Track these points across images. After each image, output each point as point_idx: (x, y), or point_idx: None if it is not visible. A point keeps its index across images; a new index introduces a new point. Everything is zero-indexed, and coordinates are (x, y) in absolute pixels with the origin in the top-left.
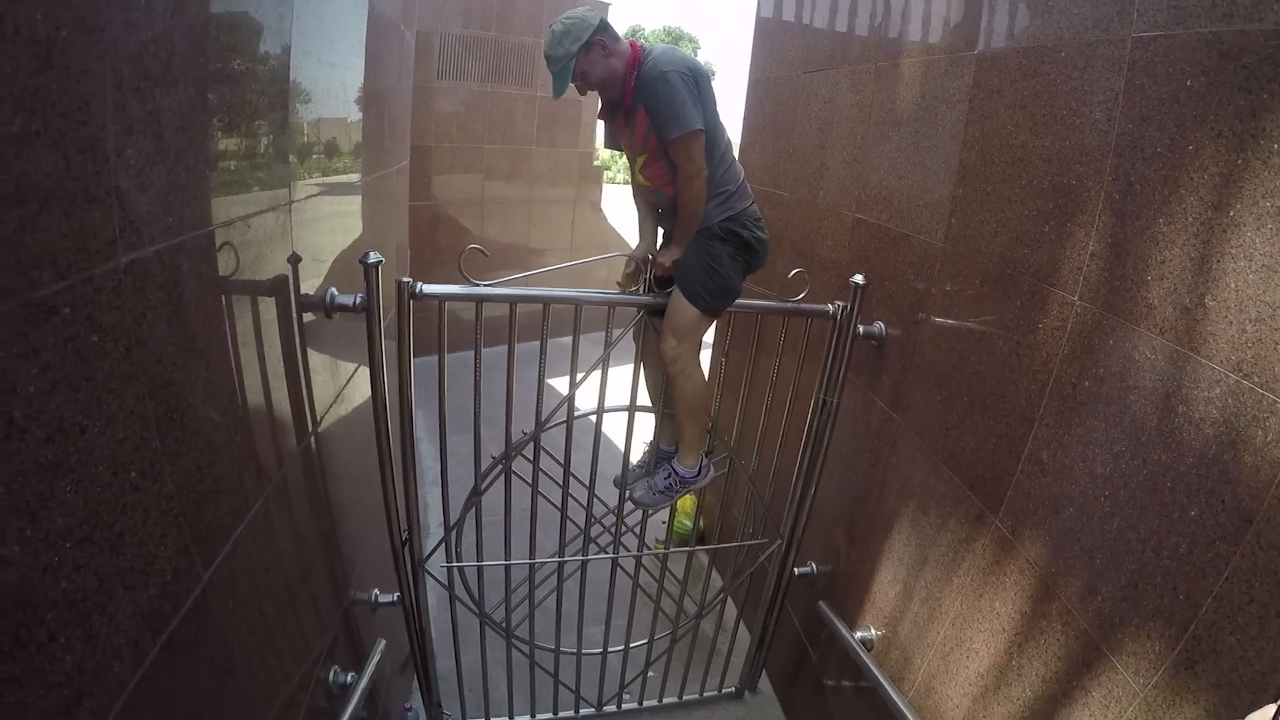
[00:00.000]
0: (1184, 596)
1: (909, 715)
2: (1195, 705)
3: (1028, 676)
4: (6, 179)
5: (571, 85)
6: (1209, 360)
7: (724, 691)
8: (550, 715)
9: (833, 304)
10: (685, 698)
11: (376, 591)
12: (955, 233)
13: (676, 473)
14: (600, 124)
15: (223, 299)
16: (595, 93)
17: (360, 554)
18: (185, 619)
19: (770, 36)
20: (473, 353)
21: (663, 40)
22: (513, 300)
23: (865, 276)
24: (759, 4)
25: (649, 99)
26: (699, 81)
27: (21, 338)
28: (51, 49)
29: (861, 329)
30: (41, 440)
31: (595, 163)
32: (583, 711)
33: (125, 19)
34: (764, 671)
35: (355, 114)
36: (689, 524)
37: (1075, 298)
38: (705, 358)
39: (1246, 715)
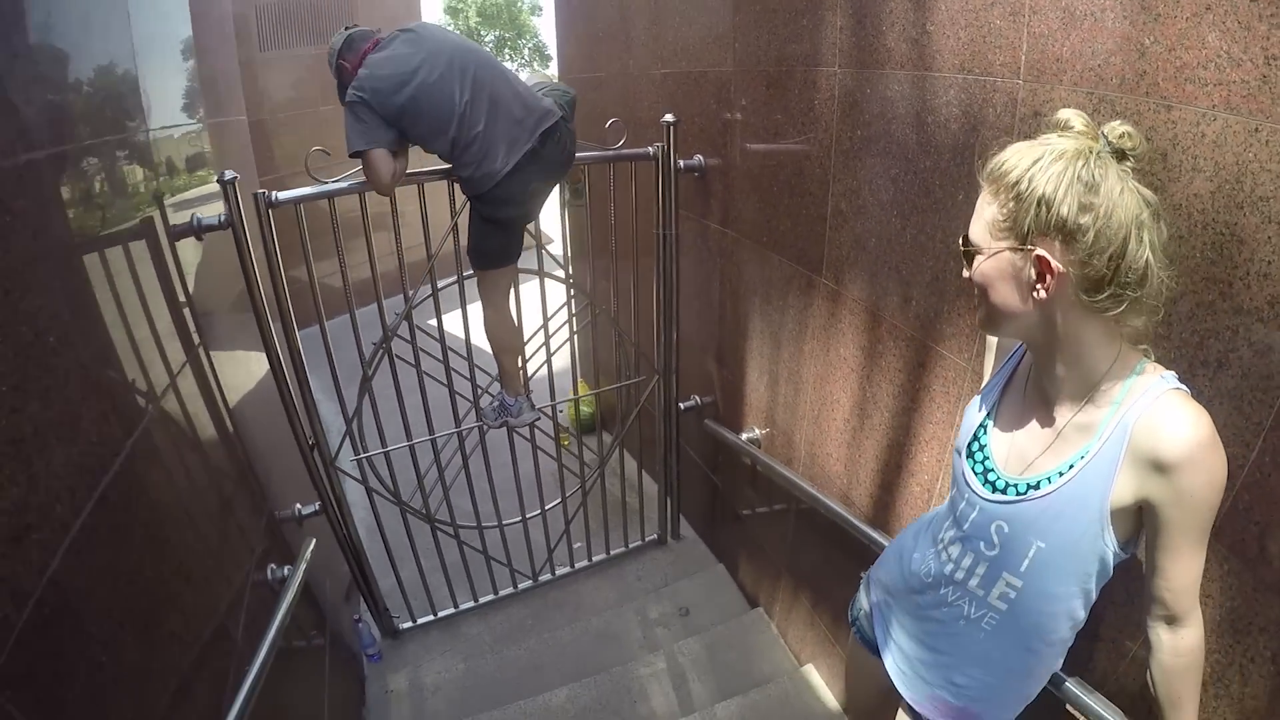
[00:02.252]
0: None
1: (805, 486)
2: None
3: (881, 399)
4: None
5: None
6: (940, 71)
7: (647, 540)
8: (491, 596)
9: (652, 146)
10: (613, 552)
11: (298, 505)
12: (740, 55)
13: (502, 400)
14: None
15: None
16: None
17: (273, 474)
18: (116, 477)
19: None
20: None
21: None
22: (360, 190)
23: (674, 115)
24: None
25: None
26: (382, 99)
27: None
28: None
29: (682, 163)
30: (22, 263)
31: None
32: (521, 586)
33: None
34: (681, 519)
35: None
36: (588, 410)
37: (836, 68)
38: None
39: None
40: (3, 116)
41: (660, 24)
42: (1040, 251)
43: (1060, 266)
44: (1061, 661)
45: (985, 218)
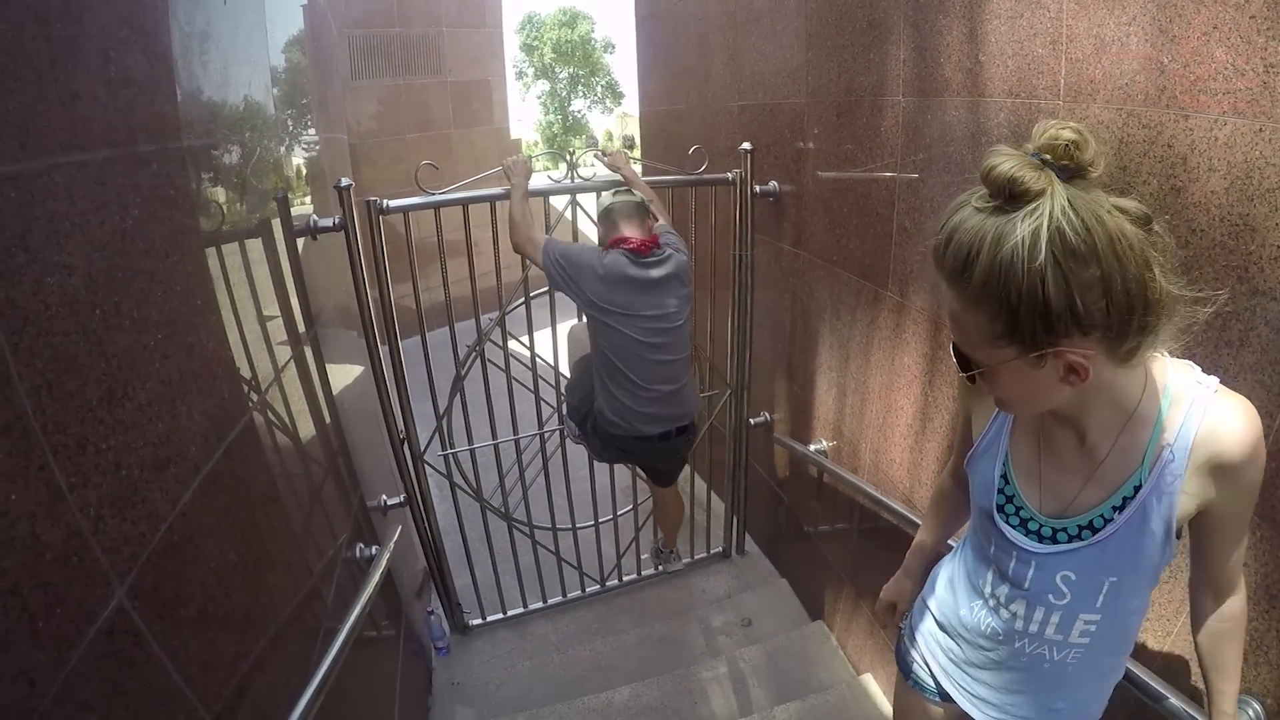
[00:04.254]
0: None
1: (869, 490)
2: None
3: (942, 401)
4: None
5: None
6: (992, 96)
7: (713, 553)
8: (560, 599)
9: (731, 173)
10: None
11: (384, 496)
12: (812, 87)
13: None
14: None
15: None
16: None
17: (365, 463)
18: (241, 434)
19: None
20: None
21: (560, 20)
22: (464, 202)
23: (751, 144)
24: None
25: None
26: (597, 291)
27: (131, 177)
28: None
29: (758, 189)
30: (142, 251)
31: (513, 137)
32: (589, 590)
33: None
34: (747, 535)
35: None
36: None
37: (900, 96)
38: None
39: None
40: (180, 105)
41: (738, 60)
42: (1060, 349)
43: (1087, 351)
44: None
45: (973, 328)
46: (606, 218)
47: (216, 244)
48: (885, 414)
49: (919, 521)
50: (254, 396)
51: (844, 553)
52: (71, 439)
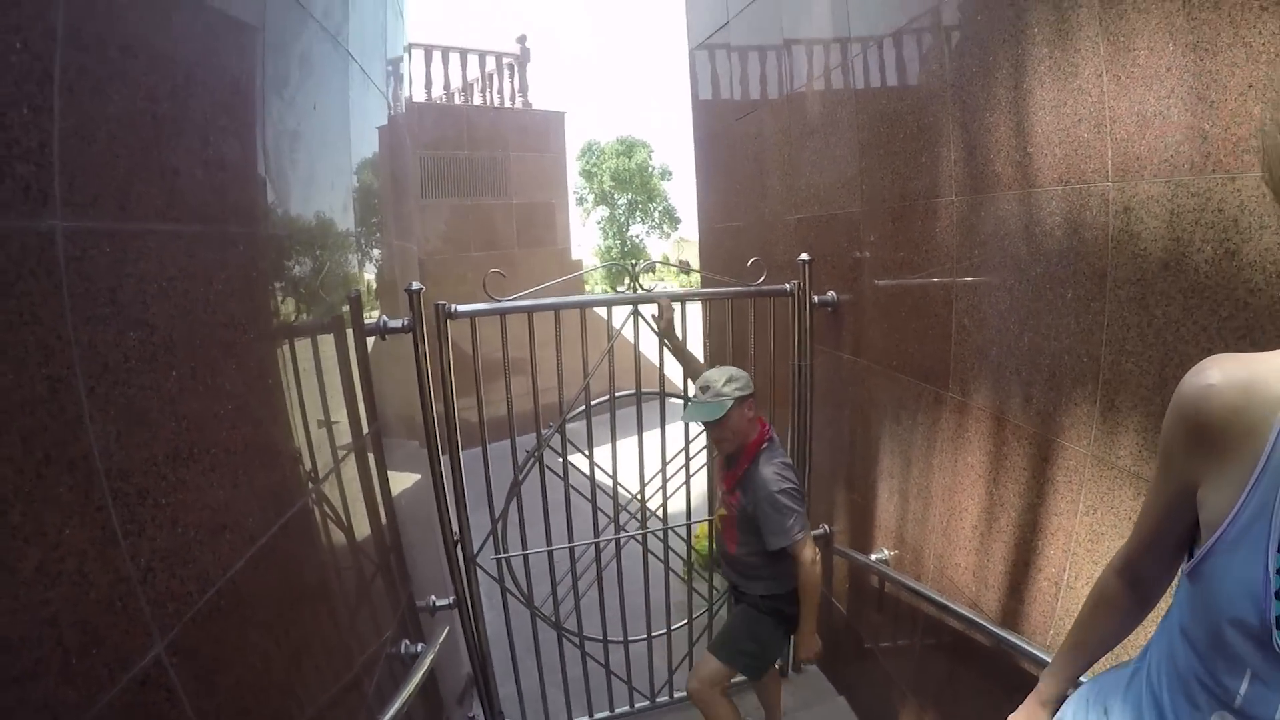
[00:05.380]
0: (1087, 357)
1: (936, 597)
2: (1127, 434)
3: (1007, 499)
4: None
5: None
6: (1042, 186)
7: None
8: (607, 713)
9: (789, 283)
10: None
11: (433, 598)
12: (867, 195)
13: None
14: (574, 226)
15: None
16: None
17: (417, 563)
18: (297, 513)
19: (704, 105)
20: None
21: (618, 150)
22: (529, 310)
23: (809, 254)
24: (692, 86)
25: (756, 504)
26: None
27: (219, 254)
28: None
29: (816, 298)
30: (221, 324)
31: (573, 258)
32: (638, 705)
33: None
34: None
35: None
36: (705, 543)
37: (953, 196)
38: None
39: None
40: (269, 195)
41: (794, 174)
42: None
43: None
44: None
45: None
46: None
47: (291, 330)
48: (949, 517)
49: (988, 626)
50: (313, 481)
51: (907, 666)
52: (133, 488)
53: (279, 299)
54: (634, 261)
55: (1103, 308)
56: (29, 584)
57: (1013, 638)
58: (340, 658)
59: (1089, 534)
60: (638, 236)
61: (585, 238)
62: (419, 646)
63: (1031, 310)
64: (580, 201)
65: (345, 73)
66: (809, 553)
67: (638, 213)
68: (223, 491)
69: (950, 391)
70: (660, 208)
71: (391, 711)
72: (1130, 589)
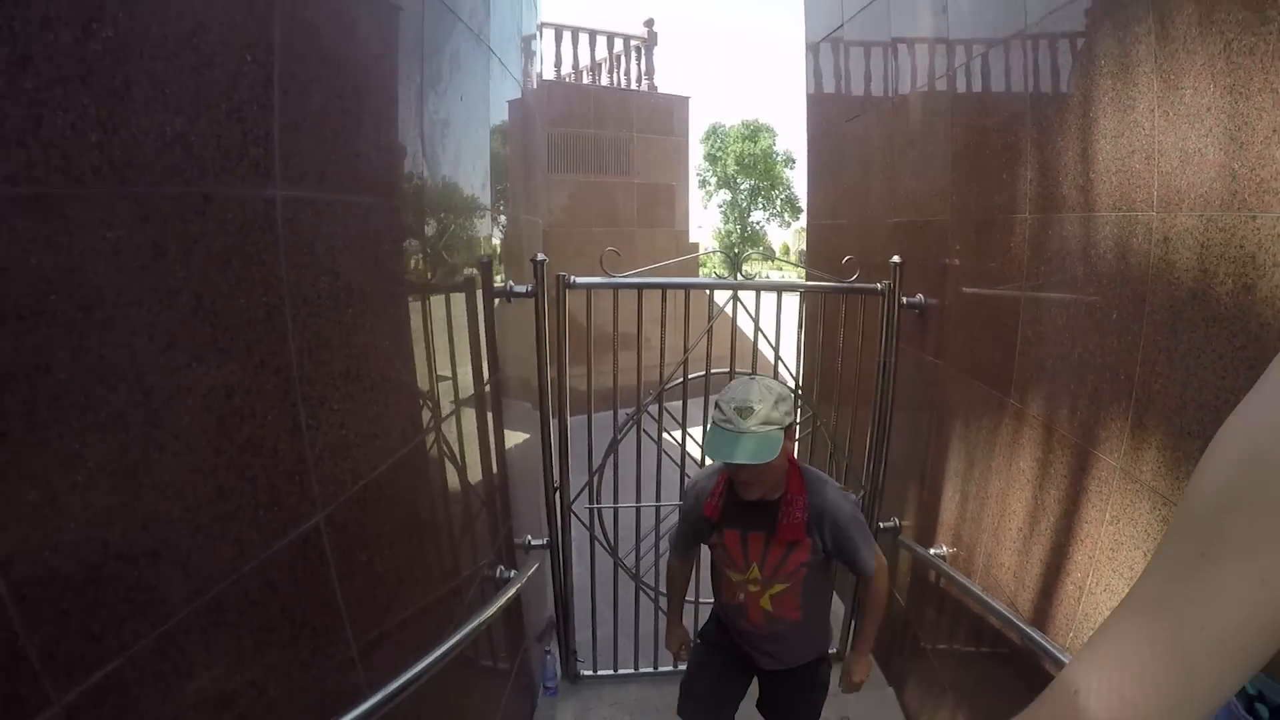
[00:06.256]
0: (1124, 375)
1: (981, 595)
2: (1150, 450)
3: (1049, 504)
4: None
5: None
6: (1099, 210)
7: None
8: (670, 668)
9: (880, 283)
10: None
11: (529, 537)
12: (956, 206)
13: None
14: (695, 208)
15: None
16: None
17: (518, 503)
18: (420, 444)
19: (818, 102)
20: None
21: (743, 134)
22: (639, 286)
23: (901, 257)
24: (807, 83)
25: (843, 537)
26: None
27: (387, 220)
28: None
29: (905, 300)
30: (386, 277)
31: (690, 240)
32: None
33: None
34: None
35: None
36: None
37: (1027, 214)
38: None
39: None
40: (425, 175)
41: (894, 180)
42: None
43: None
44: None
45: None
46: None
47: (433, 287)
48: (1000, 518)
49: (1022, 626)
50: (439, 416)
51: (957, 670)
52: (316, 394)
53: (427, 260)
54: (737, 250)
55: (1140, 330)
56: (241, 450)
57: (1040, 638)
58: (448, 564)
59: (1111, 542)
60: (758, 223)
61: (707, 220)
62: (511, 573)
63: (1083, 327)
64: (703, 184)
65: (486, 65)
66: (883, 560)
67: (760, 199)
68: (376, 408)
69: (1011, 399)
70: (783, 195)
71: (478, 620)
72: None
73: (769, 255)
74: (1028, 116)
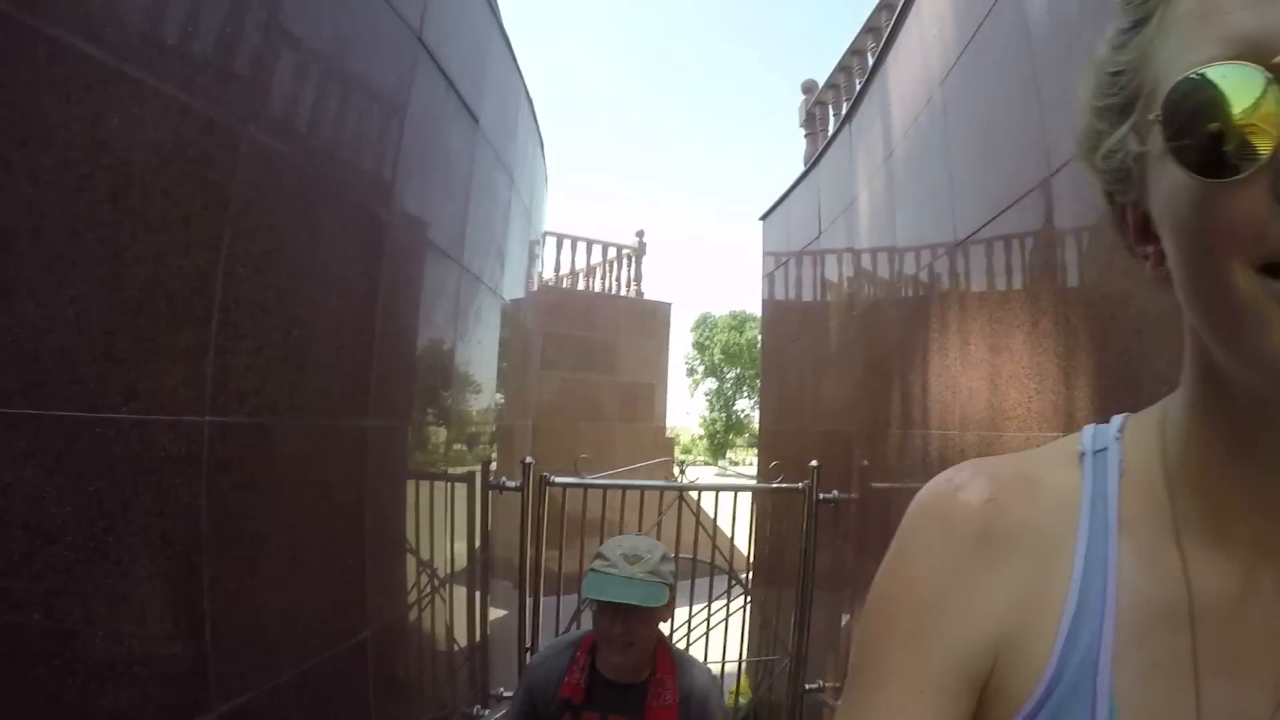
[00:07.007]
0: None
1: None
2: None
3: None
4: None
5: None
6: (930, 429)
7: None
8: None
9: (801, 483)
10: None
11: (501, 689)
12: (861, 418)
13: None
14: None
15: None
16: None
17: (495, 662)
18: (423, 599)
19: (770, 324)
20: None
21: (730, 324)
22: (605, 487)
23: (820, 460)
24: (762, 306)
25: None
26: None
27: (419, 434)
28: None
29: (822, 495)
30: (420, 467)
31: (668, 435)
32: None
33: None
34: None
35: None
36: (744, 699)
37: (894, 429)
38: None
39: None
40: (453, 373)
41: (818, 395)
42: None
43: None
44: None
45: None
46: None
47: (437, 474)
48: None
49: None
50: (433, 581)
51: None
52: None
53: (435, 453)
54: (682, 460)
55: None
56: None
57: None
58: (437, 698)
59: None
60: (743, 411)
61: (694, 407)
62: (485, 712)
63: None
64: (690, 372)
65: (498, 312)
66: None
67: (745, 388)
68: (391, 569)
69: None
70: None
71: None
72: None
73: (751, 443)
74: (895, 354)
